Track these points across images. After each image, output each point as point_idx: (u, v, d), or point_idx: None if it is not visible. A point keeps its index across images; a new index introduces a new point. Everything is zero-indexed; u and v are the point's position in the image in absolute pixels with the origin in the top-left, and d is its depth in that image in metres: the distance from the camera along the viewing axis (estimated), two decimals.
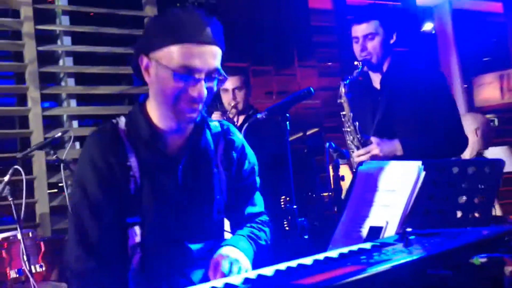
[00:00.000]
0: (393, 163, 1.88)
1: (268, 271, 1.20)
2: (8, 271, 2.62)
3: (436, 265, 1.04)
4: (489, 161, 1.65)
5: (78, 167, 1.61)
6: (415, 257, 1.08)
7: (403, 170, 1.81)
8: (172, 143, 1.65)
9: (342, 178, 2.44)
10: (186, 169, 1.65)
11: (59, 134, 3.23)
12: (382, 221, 1.75)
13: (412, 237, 1.32)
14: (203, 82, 1.50)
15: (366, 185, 1.91)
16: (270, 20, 5.09)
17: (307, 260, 1.25)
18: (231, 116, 3.53)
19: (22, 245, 2.14)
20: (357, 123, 2.79)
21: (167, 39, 1.48)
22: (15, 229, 2.56)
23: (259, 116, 2.20)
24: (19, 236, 2.37)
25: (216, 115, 3.47)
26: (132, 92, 4.60)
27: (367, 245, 1.39)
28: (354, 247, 1.37)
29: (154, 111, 1.62)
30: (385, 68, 2.88)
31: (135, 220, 1.57)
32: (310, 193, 4.05)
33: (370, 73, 2.94)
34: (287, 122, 2.13)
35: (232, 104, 3.53)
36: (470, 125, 4.04)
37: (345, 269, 1.06)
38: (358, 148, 2.76)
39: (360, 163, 1.98)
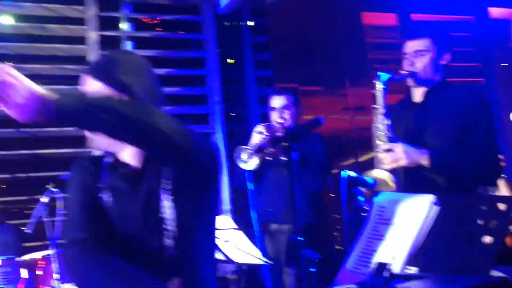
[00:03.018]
0: (407, 196, 1.81)
1: None
2: None
3: None
4: (503, 198, 1.54)
5: None
6: None
7: (415, 204, 1.73)
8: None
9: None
10: (144, 197, 1.70)
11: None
12: (389, 258, 1.68)
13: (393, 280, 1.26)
14: None
15: (380, 217, 1.85)
16: (322, 38, 5.04)
17: None
18: (278, 133, 3.49)
19: (54, 264, 2.26)
20: (389, 120, 2.68)
21: None
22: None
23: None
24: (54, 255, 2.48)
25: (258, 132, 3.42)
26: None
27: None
28: None
29: None
30: (432, 83, 2.80)
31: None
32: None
33: (412, 88, 2.85)
34: (294, 153, 2.05)
35: (279, 122, 3.54)
36: None
37: None
38: None
39: (375, 194, 1.91)
